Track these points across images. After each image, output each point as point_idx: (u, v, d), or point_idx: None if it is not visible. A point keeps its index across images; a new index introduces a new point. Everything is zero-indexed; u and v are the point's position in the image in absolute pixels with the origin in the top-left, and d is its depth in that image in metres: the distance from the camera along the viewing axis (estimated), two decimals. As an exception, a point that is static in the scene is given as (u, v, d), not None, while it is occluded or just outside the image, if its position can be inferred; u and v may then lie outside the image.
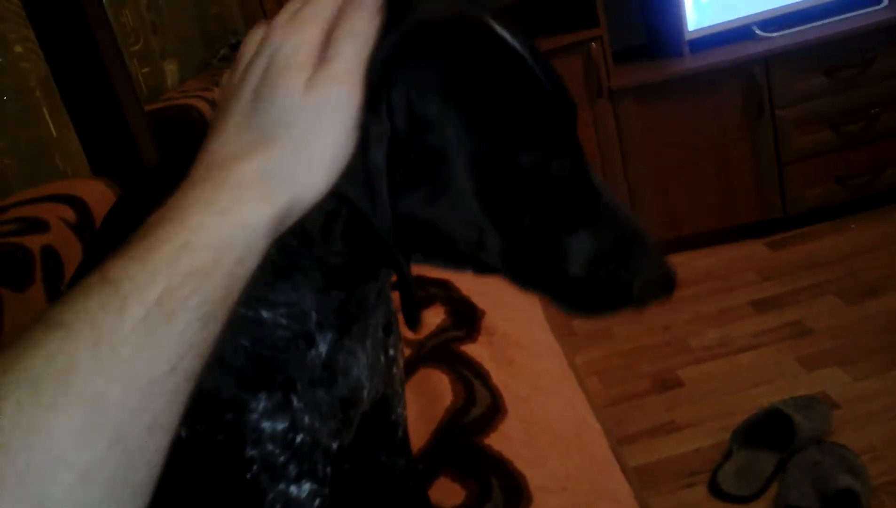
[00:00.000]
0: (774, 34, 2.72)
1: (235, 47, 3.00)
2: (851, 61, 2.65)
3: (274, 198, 0.48)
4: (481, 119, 0.56)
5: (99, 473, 0.40)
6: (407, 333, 0.82)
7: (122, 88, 1.57)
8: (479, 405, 1.25)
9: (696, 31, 2.76)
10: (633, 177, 2.81)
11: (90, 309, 0.42)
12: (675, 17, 2.77)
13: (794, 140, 2.73)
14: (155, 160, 1.50)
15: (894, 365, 2.03)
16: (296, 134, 0.50)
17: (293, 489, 0.65)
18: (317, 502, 0.67)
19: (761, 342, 2.29)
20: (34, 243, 1.08)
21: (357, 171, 0.53)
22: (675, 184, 2.82)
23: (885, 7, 2.69)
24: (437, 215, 0.58)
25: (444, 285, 1.53)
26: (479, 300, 1.49)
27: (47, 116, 1.61)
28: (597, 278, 0.60)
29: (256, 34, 0.56)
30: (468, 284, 1.52)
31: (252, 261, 0.48)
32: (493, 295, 1.50)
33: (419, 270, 0.62)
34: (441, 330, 1.43)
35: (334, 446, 0.68)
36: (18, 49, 1.59)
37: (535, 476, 1.09)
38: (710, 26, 2.77)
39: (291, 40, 0.52)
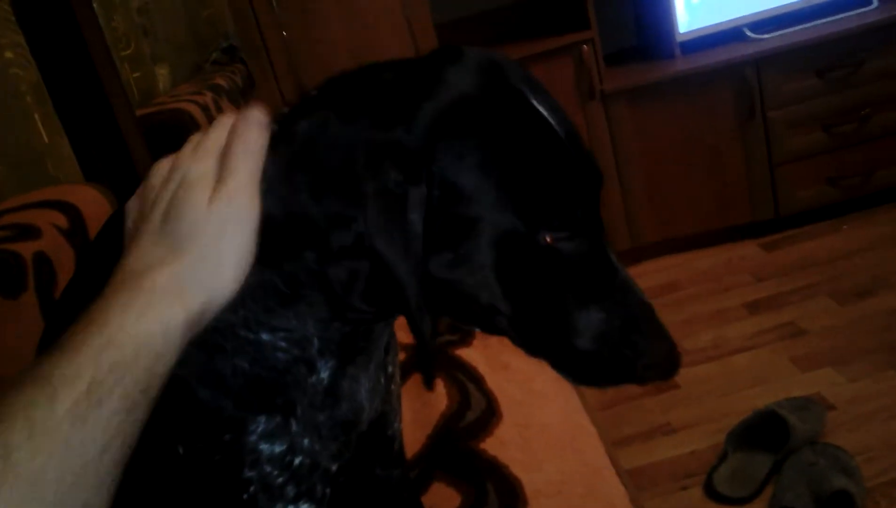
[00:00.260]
0: (765, 36, 2.72)
1: (227, 51, 3.00)
2: (842, 62, 2.66)
3: (187, 301, 0.54)
4: (514, 197, 0.57)
5: None
6: (402, 337, 0.82)
7: (113, 93, 1.57)
8: (474, 409, 1.25)
9: (687, 32, 2.77)
10: (625, 179, 2.81)
11: (23, 402, 0.47)
12: (666, 19, 2.78)
13: (785, 141, 2.74)
14: (147, 166, 1.50)
15: (888, 366, 2.03)
16: (203, 244, 0.56)
17: None
18: None
19: (755, 343, 2.29)
20: (26, 249, 1.08)
21: (395, 233, 0.55)
22: (668, 186, 2.83)
23: (876, 8, 2.70)
24: (454, 279, 0.60)
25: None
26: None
27: (39, 122, 1.60)
28: (602, 353, 0.61)
29: (163, 166, 0.62)
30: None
31: (171, 356, 0.53)
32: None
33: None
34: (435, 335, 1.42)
35: (334, 468, 0.68)
36: (9, 55, 1.58)
37: (530, 480, 1.09)
38: (701, 28, 2.77)
39: (195, 167, 0.59)
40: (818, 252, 2.68)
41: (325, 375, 0.65)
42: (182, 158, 0.61)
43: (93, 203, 1.28)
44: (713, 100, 2.72)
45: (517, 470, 1.11)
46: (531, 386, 1.31)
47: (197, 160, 0.60)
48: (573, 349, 0.61)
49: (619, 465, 1.18)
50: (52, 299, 1.06)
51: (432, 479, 1.12)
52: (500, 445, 1.16)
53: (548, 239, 0.59)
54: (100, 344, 0.50)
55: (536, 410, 1.26)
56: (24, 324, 1.01)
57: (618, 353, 0.61)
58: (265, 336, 0.62)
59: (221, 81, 2.39)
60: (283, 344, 0.62)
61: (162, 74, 2.47)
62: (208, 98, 2.13)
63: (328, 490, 0.68)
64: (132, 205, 0.63)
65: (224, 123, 0.63)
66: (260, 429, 0.62)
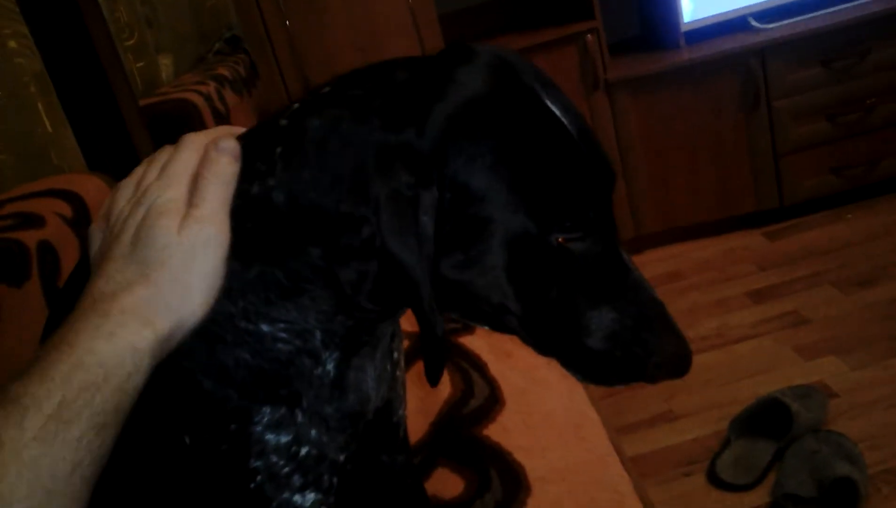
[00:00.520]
0: (770, 25, 2.71)
1: (230, 41, 2.99)
2: (847, 52, 2.65)
3: (156, 324, 0.55)
4: (526, 199, 0.57)
5: None
6: (405, 324, 0.82)
7: (116, 83, 1.57)
8: (477, 396, 1.26)
9: (691, 22, 2.76)
10: (629, 169, 2.81)
11: None
12: (670, 8, 2.77)
13: (790, 131, 2.73)
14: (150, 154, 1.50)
15: (891, 354, 2.03)
16: (173, 269, 0.56)
17: (297, 498, 0.65)
18: None
19: (759, 331, 2.29)
20: (30, 238, 1.08)
21: (408, 236, 0.55)
22: (672, 175, 2.82)
23: (881, -3, 2.69)
24: (465, 280, 0.60)
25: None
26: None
27: (42, 112, 1.60)
28: (613, 352, 0.61)
29: (126, 188, 0.63)
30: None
31: (140, 377, 0.54)
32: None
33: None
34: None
35: (342, 458, 0.68)
36: (12, 44, 1.58)
37: (534, 467, 1.09)
38: (705, 18, 2.77)
39: (165, 193, 0.59)
40: (821, 241, 2.68)
41: (330, 367, 0.65)
42: (149, 181, 0.61)
43: (96, 192, 1.28)
44: (717, 90, 2.71)
45: (520, 457, 1.11)
46: (534, 374, 1.32)
47: (167, 186, 0.60)
48: (584, 349, 0.61)
49: (622, 452, 1.18)
50: (55, 288, 1.06)
51: (436, 465, 1.12)
52: (504, 432, 1.17)
53: (560, 240, 0.59)
54: (70, 366, 0.51)
55: (540, 397, 1.26)
56: (28, 313, 1.01)
57: (629, 352, 0.61)
58: (265, 327, 0.62)
59: (225, 72, 2.39)
60: (283, 335, 0.62)
61: (165, 63, 2.47)
62: (211, 88, 2.12)
63: (335, 480, 0.68)
64: (95, 230, 0.63)
65: (191, 144, 0.63)
66: (265, 420, 0.62)
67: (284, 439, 0.63)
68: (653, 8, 2.97)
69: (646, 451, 1.93)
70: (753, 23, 2.75)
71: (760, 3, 2.76)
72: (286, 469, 0.64)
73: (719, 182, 2.82)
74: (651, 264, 2.76)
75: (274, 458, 0.63)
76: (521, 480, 1.07)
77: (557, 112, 0.60)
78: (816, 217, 2.83)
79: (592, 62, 2.68)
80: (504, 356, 1.35)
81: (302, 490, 0.65)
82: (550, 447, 1.15)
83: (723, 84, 2.70)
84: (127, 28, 2.23)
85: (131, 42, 2.24)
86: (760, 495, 1.72)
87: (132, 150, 1.56)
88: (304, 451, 0.65)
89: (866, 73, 2.67)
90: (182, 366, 0.60)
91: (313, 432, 0.65)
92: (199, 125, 1.92)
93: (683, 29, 2.76)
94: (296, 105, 0.64)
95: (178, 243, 0.57)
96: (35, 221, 1.13)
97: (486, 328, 0.66)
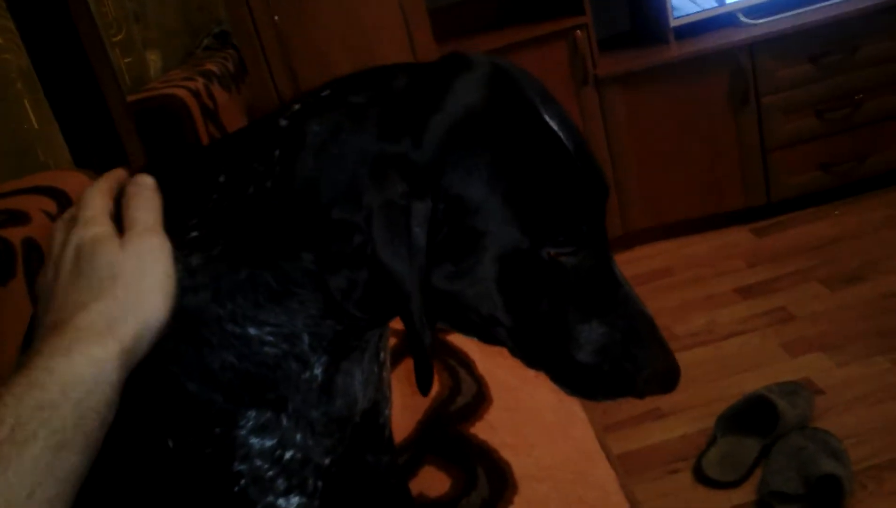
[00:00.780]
0: (759, 21, 2.72)
1: (218, 37, 2.98)
2: (836, 48, 2.66)
3: (118, 333, 0.54)
4: (520, 213, 0.58)
5: None
6: (393, 323, 0.82)
7: (104, 79, 1.56)
8: (464, 394, 1.26)
9: (681, 18, 2.77)
10: (618, 165, 2.81)
11: None
12: (660, 4, 2.77)
13: (779, 127, 2.74)
14: (137, 151, 1.49)
15: (877, 351, 2.04)
16: (126, 278, 0.56)
17: (282, 501, 0.65)
18: None
19: (746, 328, 2.30)
20: (15, 235, 1.07)
21: (399, 246, 0.55)
22: (661, 171, 2.83)
23: (870, -6, 2.70)
24: (456, 291, 0.60)
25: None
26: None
27: (29, 108, 1.59)
28: (603, 366, 0.62)
29: (58, 236, 0.62)
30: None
31: (104, 391, 0.53)
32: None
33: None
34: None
35: (327, 461, 0.68)
36: (-1, 40, 1.57)
37: (520, 465, 1.09)
38: (695, 13, 2.77)
39: (91, 229, 0.59)
40: (809, 238, 2.69)
41: (318, 371, 0.65)
42: (68, 232, 0.61)
43: (82, 189, 1.27)
44: (707, 85, 2.71)
45: (507, 455, 1.11)
46: (522, 372, 1.31)
47: (90, 224, 0.60)
48: (573, 362, 0.62)
49: (609, 450, 1.19)
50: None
51: (423, 463, 1.12)
52: (491, 429, 1.17)
53: (552, 254, 0.59)
54: (24, 387, 0.50)
55: (527, 395, 1.26)
56: (13, 311, 1.01)
57: (618, 367, 0.61)
58: (252, 331, 0.62)
59: (213, 67, 2.38)
60: (270, 338, 0.62)
61: (153, 59, 2.46)
62: (199, 84, 2.12)
63: (320, 483, 0.68)
64: (40, 280, 0.63)
65: (96, 189, 0.63)
66: (250, 424, 0.62)
67: (269, 443, 0.63)
68: (642, 4, 2.97)
69: (632, 449, 1.93)
70: (743, 18, 2.75)
71: None
72: (270, 473, 0.64)
73: (708, 178, 2.82)
74: (639, 261, 2.77)
75: (258, 462, 0.63)
76: (507, 478, 1.07)
77: (555, 126, 0.60)
78: (804, 213, 2.84)
79: (582, 58, 2.68)
80: (492, 354, 1.35)
81: (286, 493, 0.65)
82: (537, 444, 1.15)
83: (712, 80, 2.70)
84: (114, 23, 2.22)
85: (119, 37, 2.23)
86: (747, 492, 1.73)
87: (119, 146, 1.55)
88: (288, 455, 0.65)
89: (855, 68, 2.68)
90: (167, 369, 0.60)
91: (298, 436, 0.65)
92: (188, 120, 1.91)
93: (673, 25, 2.76)
94: (296, 106, 0.64)
95: (124, 258, 0.57)
96: (20, 218, 1.12)
97: (476, 339, 0.66)
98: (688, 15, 2.77)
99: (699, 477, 1.79)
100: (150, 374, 0.57)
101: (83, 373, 0.52)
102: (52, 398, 0.50)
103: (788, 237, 2.74)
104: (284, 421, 0.64)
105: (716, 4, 2.76)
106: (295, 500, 0.66)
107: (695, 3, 2.76)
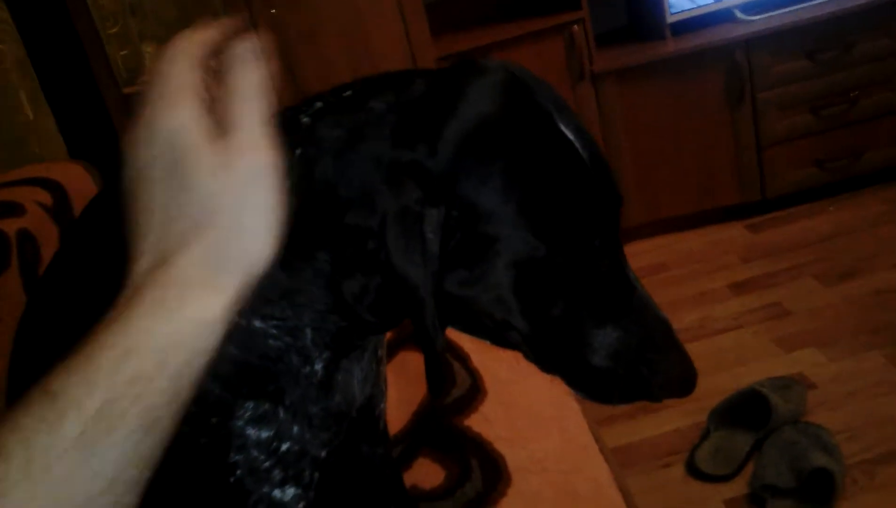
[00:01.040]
0: (756, 17, 2.72)
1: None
2: (832, 45, 2.66)
3: (224, 284, 0.46)
4: (534, 221, 0.58)
5: None
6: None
7: (99, 71, 1.56)
8: (459, 386, 1.26)
9: (677, 13, 2.76)
10: (614, 160, 2.82)
11: (26, 427, 0.40)
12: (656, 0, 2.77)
13: (774, 123, 2.74)
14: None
15: (870, 346, 2.05)
16: (226, 216, 0.47)
17: (277, 492, 0.65)
18: (300, 505, 0.68)
19: (740, 323, 2.31)
20: (10, 226, 1.07)
21: (413, 252, 0.55)
22: (656, 167, 2.83)
23: (865, -10, 2.70)
24: (469, 296, 0.60)
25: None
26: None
27: (24, 99, 1.59)
28: (618, 370, 0.62)
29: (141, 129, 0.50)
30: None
31: (203, 357, 0.45)
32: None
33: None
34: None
35: (323, 454, 0.69)
36: (-6, 31, 1.56)
37: (514, 457, 1.10)
38: (691, 9, 2.77)
39: (177, 117, 0.48)
40: (804, 234, 2.70)
41: (319, 367, 0.66)
42: (153, 110, 0.49)
43: (77, 180, 1.27)
44: (703, 81, 2.71)
45: (501, 447, 1.12)
46: (516, 365, 1.32)
47: (174, 113, 0.48)
48: (588, 367, 0.62)
49: (602, 443, 1.19)
50: (35, 277, 1.06)
51: (417, 455, 1.13)
52: (485, 422, 1.17)
53: (566, 260, 0.59)
54: (118, 355, 0.42)
55: (521, 388, 1.27)
56: (8, 301, 1.01)
57: (633, 371, 0.62)
58: (257, 324, 0.62)
59: (210, 60, 2.37)
60: (274, 331, 0.63)
61: (149, 52, 2.46)
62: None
63: (316, 475, 0.68)
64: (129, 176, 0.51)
65: (183, 51, 0.51)
66: (248, 414, 0.63)
67: (265, 434, 0.64)
68: (639, -1, 2.97)
69: (626, 442, 1.94)
70: (739, 14, 2.75)
71: (746, -5, 2.76)
72: (266, 464, 0.64)
73: (703, 174, 2.82)
74: (635, 256, 2.74)
75: (254, 453, 0.63)
76: (501, 470, 1.07)
77: (569, 134, 0.60)
78: (799, 209, 2.84)
79: (579, 53, 2.68)
80: (486, 348, 1.35)
81: (282, 484, 0.65)
82: (531, 437, 1.15)
83: (708, 76, 2.71)
84: (111, 16, 2.21)
85: (115, 30, 2.22)
86: (739, 486, 1.73)
87: (114, 138, 1.55)
88: (284, 447, 0.65)
89: (851, 65, 2.68)
90: None
91: (295, 428, 0.65)
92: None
93: (669, 20, 2.76)
94: (318, 104, 0.64)
95: (222, 188, 0.47)
96: (15, 209, 1.12)
97: (489, 342, 0.66)
98: (684, 11, 2.77)
99: (692, 471, 1.80)
100: None
101: (185, 337, 0.44)
102: (148, 371, 0.42)
103: (783, 233, 2.75)
104: (282, 413, 0.64)
105: (712, 0, 2.76)
106: (290, 491, 0.66)
107: (691, -2, 2.77)
